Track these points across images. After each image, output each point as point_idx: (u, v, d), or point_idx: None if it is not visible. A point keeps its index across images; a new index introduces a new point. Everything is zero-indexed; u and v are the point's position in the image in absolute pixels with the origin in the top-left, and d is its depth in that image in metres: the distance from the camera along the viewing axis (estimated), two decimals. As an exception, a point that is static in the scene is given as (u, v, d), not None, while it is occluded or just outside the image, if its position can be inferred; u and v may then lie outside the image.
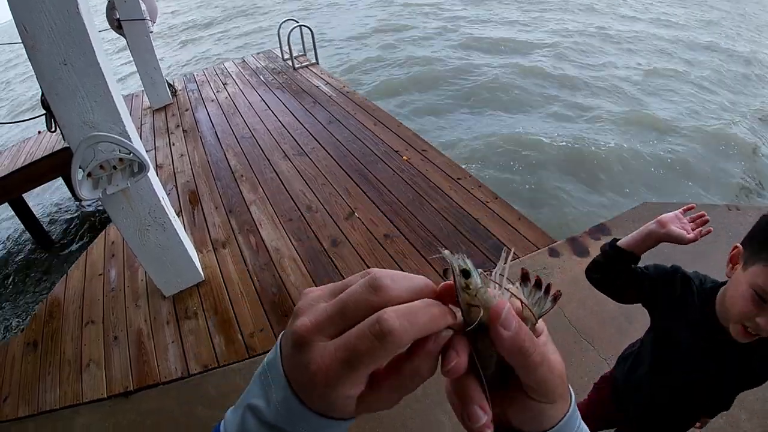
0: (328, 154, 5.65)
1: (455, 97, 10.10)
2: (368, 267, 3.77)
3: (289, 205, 4.79)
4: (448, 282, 0.40)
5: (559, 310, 3.19)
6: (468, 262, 0.39)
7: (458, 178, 4.74)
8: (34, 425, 3.10)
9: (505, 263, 0.42)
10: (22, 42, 2.36)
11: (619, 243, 1.48)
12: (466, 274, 0.38)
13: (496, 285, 0.40)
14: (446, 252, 0.40)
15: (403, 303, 0.37)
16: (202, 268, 3.95)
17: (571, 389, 0.44)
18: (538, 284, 0.44)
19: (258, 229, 4.48)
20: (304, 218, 4.54)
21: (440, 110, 9.58)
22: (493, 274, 0.41)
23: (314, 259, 4.00)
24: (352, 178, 5.07)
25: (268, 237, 4.36)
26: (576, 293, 3.31)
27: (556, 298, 0.43)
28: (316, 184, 5.07)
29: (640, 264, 1.51)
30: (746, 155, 7.76)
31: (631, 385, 1.71)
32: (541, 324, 0.43)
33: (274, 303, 3.64)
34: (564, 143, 7.97)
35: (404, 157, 5.27)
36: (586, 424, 1.56)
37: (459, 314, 0.40)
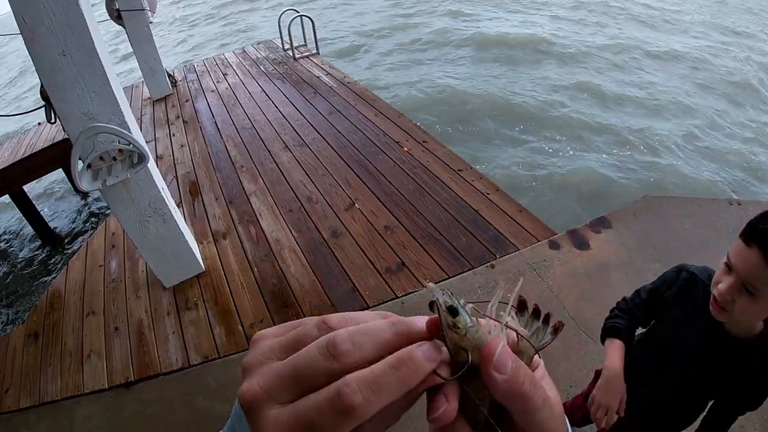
0: (329, 144, 5.64)
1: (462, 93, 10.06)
2: (368, 258, 3.79)
3: (289, 195, 4.79)
4: (435, 317, 0.36)
5: (559, 303, 3.20)
6: (454, 299, 0.35)
7: (459, 170, 4.73)
8: (35, 416, 3.12)
9: (510, 296, 0.37)
10: (21, 33, 2.35)
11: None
12: (453, 312, 0.34)
13: (488, 317, 0.36)
14: (432, 285, 0.36)
15: (368, 363, 0.33)
16: (202, 259, 3.95)
17: (568, 424, 0.39)
18: (536, 313, 0.40)
19: (258, 220, 4.48)
20: (305, 209, 4.54)
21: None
22: (489, 308, 0.37)
23: (314, 250, 4.00)
24: (352, 169, 5.06)
25: (268, 228, 4.36)
26: (575, 286, 3.32)
27: (557, 329, 0.38)
28: (317, 174, 5.07)
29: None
30: (752, 151, 7.76)
31: (632, 378, 1.71)
32: (536, 358, 0.38)
33: (274, 294, 3.65)
34: (563, 137, 7.96)
35: (405, 148, 5.26)
36: (585, 416, 1.56)
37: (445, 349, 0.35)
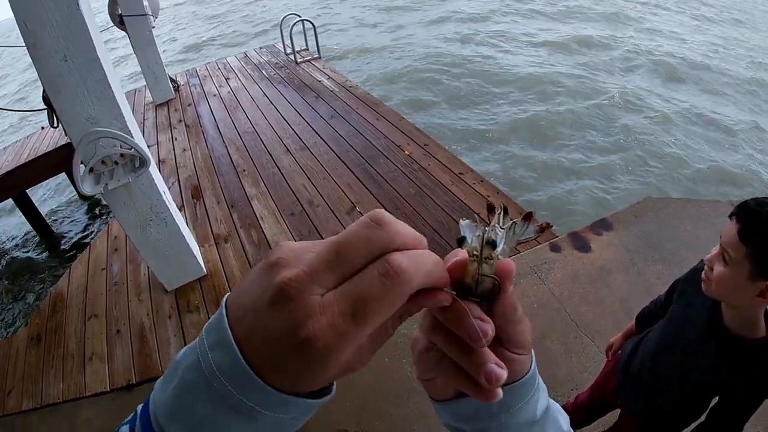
0: (330, 148, 5.65)
1: (459, 90, 10.06)
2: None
3: (291, 199, 4.80)
4: (459, 259, 0.39)
5: (560, 305, 3.20)
6: (499, 230, 0.38)
7: (460, 173, 4.74)
8: (38, 418, 3.14)
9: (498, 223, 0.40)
10: (23, 38, 2.36)
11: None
12: (493, 244, 0.37)
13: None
14: (464, 222, 0.40)
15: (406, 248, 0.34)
16: (204, 263, 3.96)
17: (533, 356, 0.47)
18: (506, 211, 0.41)
19: (260, 224, 4.50)
20: (306, 213, 4.55)
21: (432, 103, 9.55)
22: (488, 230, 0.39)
23: (316, 254, 3.99)
24: (353, 173, 5.07)
25: (269, 231, 4.37)
26: (576, 289, 3.32)
27: (543, 229, 0.42)
28: (318, 178, 5.08)
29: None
30: (751, 152, 7.74)
31: (630, 371, 1.73)
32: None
33: (275, 297, 3.65)
34: (565, 138, 7.96)
35: (406, 152, 5.27)
36: (588, 414, 1.60)
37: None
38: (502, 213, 0.40)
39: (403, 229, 0.35)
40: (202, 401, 0.33)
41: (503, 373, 0.37)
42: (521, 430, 0.46)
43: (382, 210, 0.35)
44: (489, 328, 0.36)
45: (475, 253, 0.38)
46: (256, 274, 0.34)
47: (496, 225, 0.39)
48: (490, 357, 0.38)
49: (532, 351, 0.46)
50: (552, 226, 0.40)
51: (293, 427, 0.37)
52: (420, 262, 0.33)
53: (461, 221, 0.40)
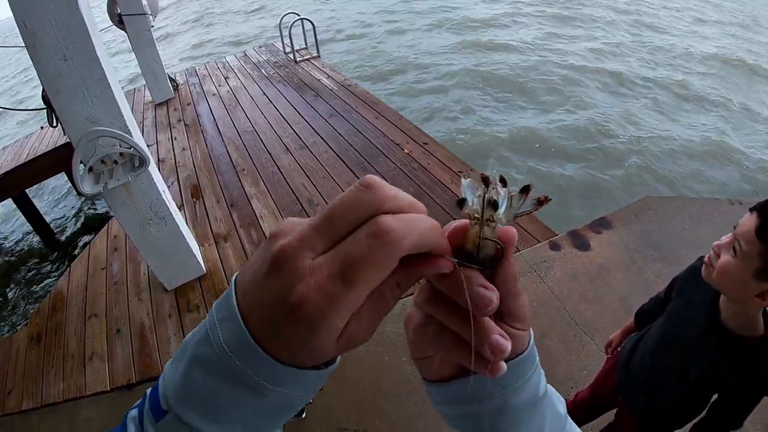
0: (330, 147, 5.65)
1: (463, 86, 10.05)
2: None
3: (290, 198, 4.80)
4: (459, 224, 0.38)
5: (559, 304, 3.20)
6: (501, 189, 0.37)
7: (459, 171, 4.74)
8: (38, 418, 3.14)
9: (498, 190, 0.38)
10: (23, 38, 2.36)
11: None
12: (495, 205, 0.36)
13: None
14: (466, 180, 0.38)
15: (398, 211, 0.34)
16: (203, 262, 3.97)
17: (531, 334, 0.47)
18: (503, 182, 0.38)
19: (259, 223, 4.50)
20: (306, 212, 4.55)
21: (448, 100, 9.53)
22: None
23: (315, 253, 3.99)
24: (353, 172, 5.07)
25: (269, 230, 4.34)
26: (576, 287, 3.32)
27: (541, 202, 0.38)
28: (318, 177, 5.08)
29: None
30: (750, 149, 7.73)
31: (630, 369, 1.73)
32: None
33: (275, 296, 3.65)
34: (565, 136, 7.95)
35: (405, 150, 5.27)
36: (587, 413, 1.60)
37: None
38: (499, 185, 0.38)
39: (396, 193, 0.34)
40: (212, 376, 0.34)
41: (508, 345, 0.37)
42: (521, 412, 0.45)
43: (374, 175, 0.35)
44: (494, 295, 0.36)
45: (476, 215, 0.36)
46: (261, 248, 0.35)
47: (498, 184, 0.37)
48: (494, 328, 0.37)
49: (531, 328, 0.45)
50: (550, 199, 0.37)
51: (300, 402, 0.38)
52: (411, 225, 0.33)
53: (463, 180, 0.38)
